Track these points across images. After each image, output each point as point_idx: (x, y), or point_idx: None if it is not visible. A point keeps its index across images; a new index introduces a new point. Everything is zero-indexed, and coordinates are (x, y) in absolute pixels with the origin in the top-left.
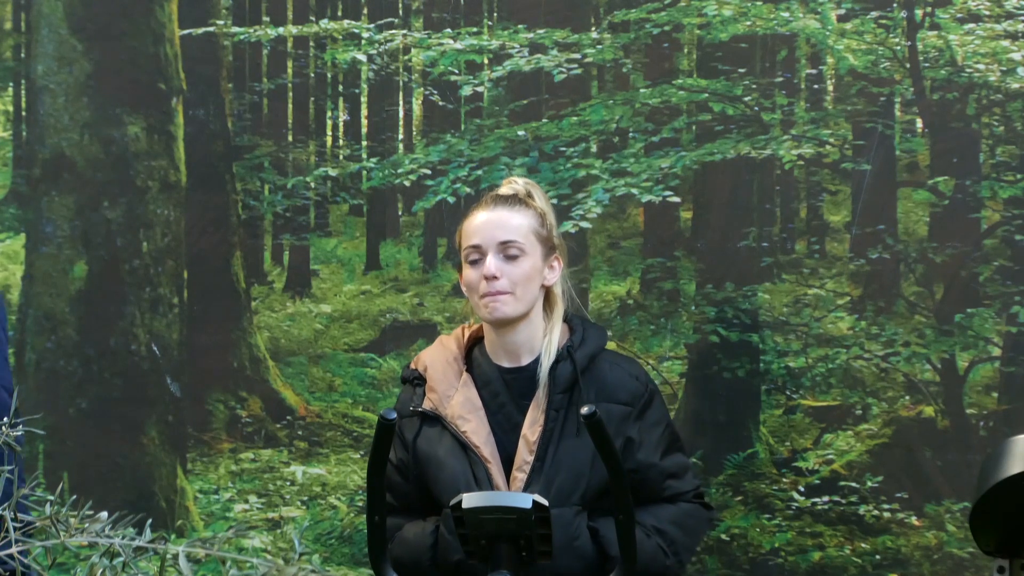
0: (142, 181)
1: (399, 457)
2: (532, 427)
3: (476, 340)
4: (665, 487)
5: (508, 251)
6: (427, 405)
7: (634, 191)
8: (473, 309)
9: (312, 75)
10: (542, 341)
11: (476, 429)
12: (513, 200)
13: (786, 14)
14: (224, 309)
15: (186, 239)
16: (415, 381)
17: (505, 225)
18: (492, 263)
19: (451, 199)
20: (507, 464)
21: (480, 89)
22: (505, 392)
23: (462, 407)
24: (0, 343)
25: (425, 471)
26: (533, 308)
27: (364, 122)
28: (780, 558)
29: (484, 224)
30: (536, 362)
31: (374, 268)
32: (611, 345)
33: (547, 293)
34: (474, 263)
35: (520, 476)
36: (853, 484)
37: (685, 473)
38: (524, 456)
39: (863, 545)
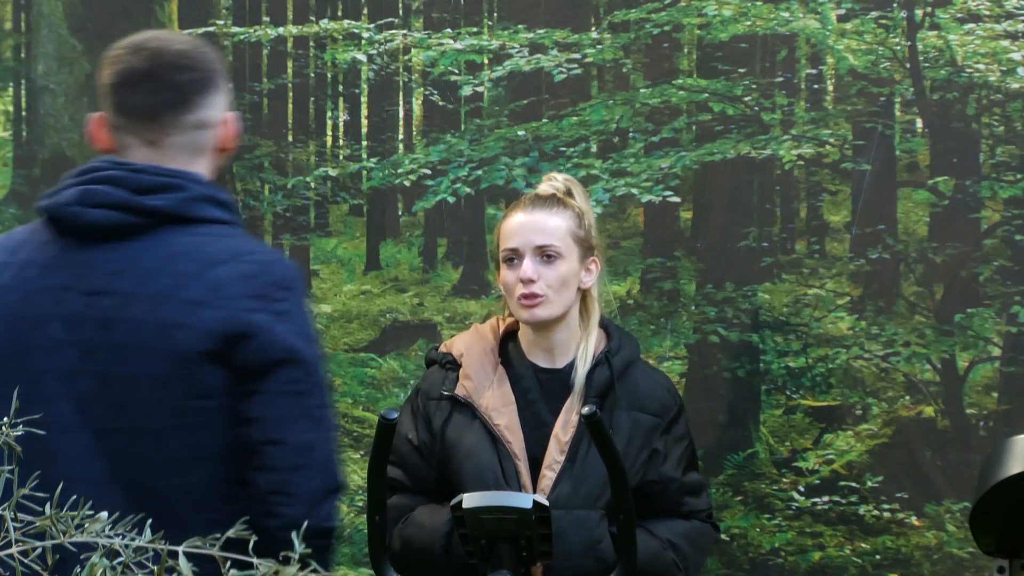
0: None
1: (421, 439)
2: (565, 428)
3: (509, 333)
4: (683, 503)
5: (545, 254)
6: (460, 392)
7: (634, 191)
8: (510, 308)
9: (312, 75)
10: (578, 344)
11: (509, 424)
12: (552, 201)
13: (786, 14)
14: None
15: None
16: (447, 365)
17: (543, 228)
18: (529, 266)
19: (451, 199)
20: (531, 462)
21: (480, 89)
22: (537, 391)
23: (496, 400)
24: None
25: (451, 458)
26: (569, 311)
27: (364, 122)
28: (780, 558)
29: (522, 226)
30: (571, 365)
31: (374, 268)
32: None
33: (583, 296)
34: (511, 263)
35: (549, 475)
36: (853, 484)
37: (701, 492)
38: (555, 455)
39: (863, 545)
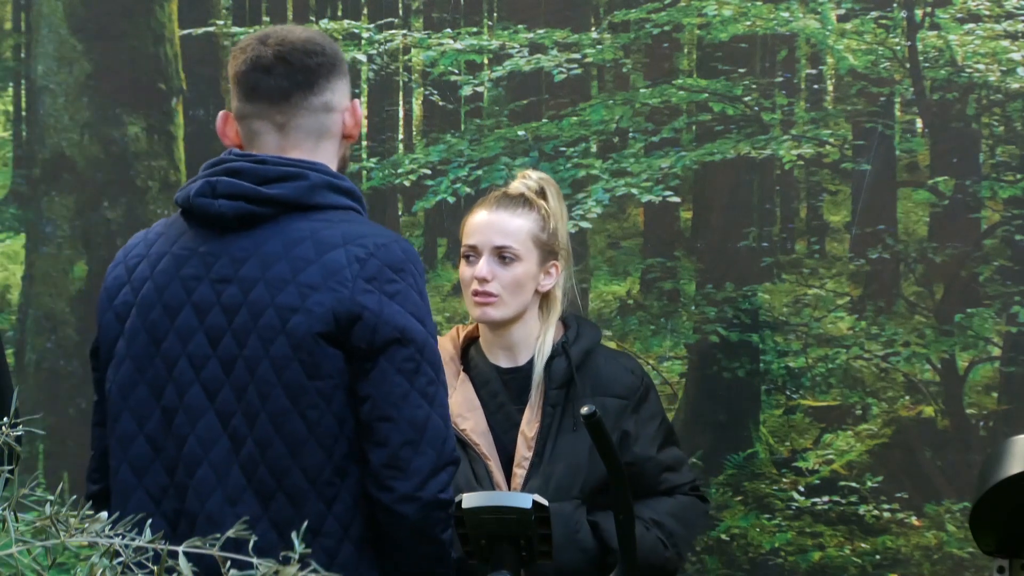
0: (142, 181)
1: None
2: (530, 424)
3: (472, 339)
4: (662, 480)
5: (502, 254)
6: None
7: (634, 191)
8: (465, 305)
9: None
10: (537, 340)
11: (474, 427)
12: (518, 201)
13: (786, 14)
14: None
15: None
16: None
17: (503, 229)
18: (484, 265)
19: (451, 199)
20: (507, 463)
21: (480, 89)
22: (504, 392)
23: (460, 406)
24: None
25: None
26: (526, 311)
27: (364, 122)
28: (780, 558)
29: (483, 225)
30: (532, 362)
31: None
32: (612, 345)
33: (543, 295)
34: (468, 260)
35: (520, 472)
36: (853, 484)
37: (681, 466)
38: (523, 452)
39: (863, 545)
